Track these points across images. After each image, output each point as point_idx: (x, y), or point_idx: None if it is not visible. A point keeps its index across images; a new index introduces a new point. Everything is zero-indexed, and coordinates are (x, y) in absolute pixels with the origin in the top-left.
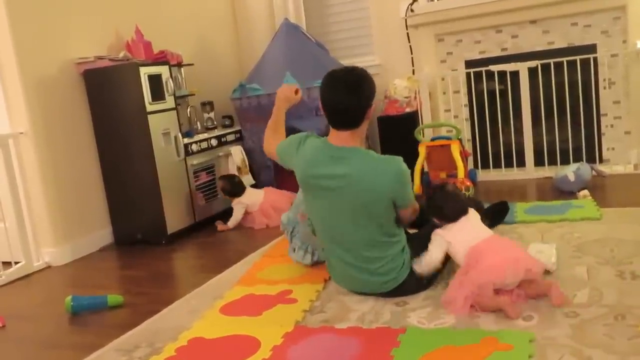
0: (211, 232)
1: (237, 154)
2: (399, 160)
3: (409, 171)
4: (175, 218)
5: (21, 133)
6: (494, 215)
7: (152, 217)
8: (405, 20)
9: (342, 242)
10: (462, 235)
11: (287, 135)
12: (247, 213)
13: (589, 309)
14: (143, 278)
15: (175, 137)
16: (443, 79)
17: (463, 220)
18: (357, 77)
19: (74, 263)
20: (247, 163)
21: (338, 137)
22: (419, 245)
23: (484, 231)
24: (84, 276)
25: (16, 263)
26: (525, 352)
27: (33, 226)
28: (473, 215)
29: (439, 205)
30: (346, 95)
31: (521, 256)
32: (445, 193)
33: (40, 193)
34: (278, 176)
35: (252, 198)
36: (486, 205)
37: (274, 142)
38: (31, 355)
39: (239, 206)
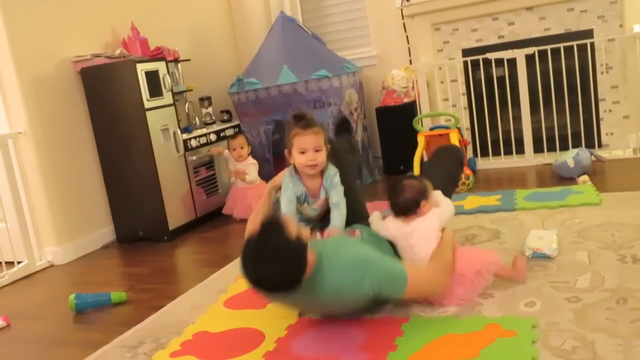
0: (213, 227)
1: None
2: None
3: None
4: (176, 214)
5: (20, 133)
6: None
7: (153, 214)
8: (401, 10)
9: None
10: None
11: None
12: (240, 196)
13: (591, 294)
14: (146, 274)
15: (174, 133)
16: (440, 68)
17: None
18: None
19: (76, 261)
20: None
21: None
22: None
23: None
24: (86, 274)
25: (19, 263)
26: (529, 338)
27: (35, 226)
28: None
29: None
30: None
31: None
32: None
33: (41, 192)
34: (278, 171)
35: (256, 172)
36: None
37: None
38: (37, 354)
39: (252, 167)
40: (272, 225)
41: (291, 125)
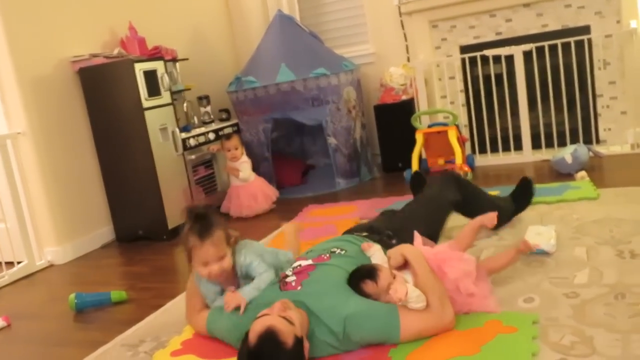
0: None
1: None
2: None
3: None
4: (175, 213)
5: (19, 133)
6: (520, 198)
7: (152, 213)
8: (399, 7)
9: None
10: None
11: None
12: (234, 195)
13: (590, 289)
14: (146, 273)
15: (173, 132)
16: (438, 66)
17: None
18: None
19: (76, 261)
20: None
21: None
22: None
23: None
24: (86, 274)
25: (19, 263)
26: (529, 334)
27: (34, 226)
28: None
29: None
30: None
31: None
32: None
33: (41, 192)
34: (277, 169)
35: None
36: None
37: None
38: (38, 354)
39: (245, 164)
40: (269, 340)
41: (187, 225)
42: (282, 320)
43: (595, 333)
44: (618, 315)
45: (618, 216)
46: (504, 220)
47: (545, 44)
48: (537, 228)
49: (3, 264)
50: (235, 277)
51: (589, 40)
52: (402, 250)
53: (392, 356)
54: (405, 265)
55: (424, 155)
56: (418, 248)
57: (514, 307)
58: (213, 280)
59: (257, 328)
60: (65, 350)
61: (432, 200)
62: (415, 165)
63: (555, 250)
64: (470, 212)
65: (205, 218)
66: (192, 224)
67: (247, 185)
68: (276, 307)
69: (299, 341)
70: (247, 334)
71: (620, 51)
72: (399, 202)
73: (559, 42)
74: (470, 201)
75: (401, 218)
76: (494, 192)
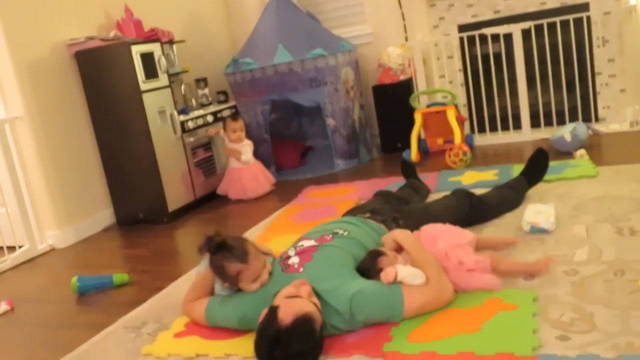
0: (212, 208)
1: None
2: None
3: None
4: (175, 196)
5: (17, 117)
6: (533, 170)
7: (152, 196)
8: None
9: None
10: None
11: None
12: (235, 178)
13: (589, 267)
14: (147, 256)
15: (171, 115)
16: (436, 45)
17: None
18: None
19: (77, 245)
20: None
21: None
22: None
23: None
24: (88, 257)
25: (20, 247)
26: (529, 311)
27: (35, 210)
28: None
29: None
30: None
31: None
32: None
33: (40, 177)
34: (276, 151)
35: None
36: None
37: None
38: (42, 337)
39: (247, 147)
40: (303, 324)
41: (221, 258)
42: (314, 307)
43: (594, 310)
44: (617, 292)
45: (617, 194)
46: (516, 205)
47: (544, 21)
48: (536, 207)
49: (5, 249)
50: None
51: (588, 18)
52: (393, 235)
53: (394, 335)
54: (401, 248)
55: (423, 136)
56: (407, 230)
57: (514, 284)
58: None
59: (292, 310)
60: (68, 332)
61: (440, 203)
62: (414, 146)
63: (554, 228)
64: (484, 218)
65: (230, 243)
66: (224, 254)
67: (248, 167)
68: (304, 291)
69: (322, 328)
70: (274, 310)
71: (619, 28)
72: (397, 182)
73: (557, 19)
74: (483, 208)
75: (412, 209)
76: (492, 171)
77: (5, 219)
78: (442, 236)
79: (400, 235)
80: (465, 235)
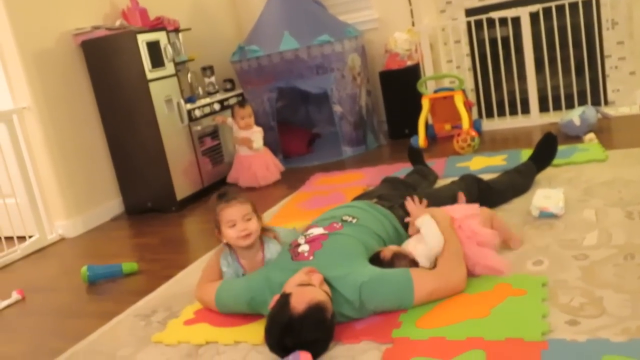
0: None
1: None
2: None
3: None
4: (183, 184)
5: (24, 108)
6: (542, 155)
7: (160, 185)
8: None
9: None
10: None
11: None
12: (245, 165)
13: (598, 251)
14: (156, 245)
15: (178, 104)
16: (443, 30)
17: None
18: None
19: (86, 234)
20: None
21: None
22: None
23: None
24: (97, 246)
25: (30, 237)
26: (539, 296)
27: (44, 200)
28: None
29: None
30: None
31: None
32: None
33: (49, 167)
34: (283, 138)
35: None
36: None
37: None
38: (53, 325)
39: (258, 134)
40: (316, 313)
41: (215, 204)
42: (326, 295)
43: (604, 294)
44: (627, 276)
45: (627, 177)
46: (524, 190)
47: (552, 4)
48: (545, 191)
49: (15, 239)
50: (263, 258)
51: (597, 0)
52: (432, 211)
53: (403, 320)
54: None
55: (430, 121)
56: (444, 211)
57: (524, 269)
58: (241, 244)
59: (305, 298)
60: (79, 321)
61: (448, 189)
62: (421, 132)
63: (563, 212)
64: (492, 203)
65: (233, 192)
66: (220, 199)
67: (259, 155)
68: (316, 279)
69: (333, 316)
70: (286, 297)
71: (628, 10)
72: (405, 169)
73: (566, 2)
74: (492, 193)
75: (420, 195)
76: (501, 156)
77: (15, 209)
78: (453, 208)
79: (439, 213)
80: (474, 206)
